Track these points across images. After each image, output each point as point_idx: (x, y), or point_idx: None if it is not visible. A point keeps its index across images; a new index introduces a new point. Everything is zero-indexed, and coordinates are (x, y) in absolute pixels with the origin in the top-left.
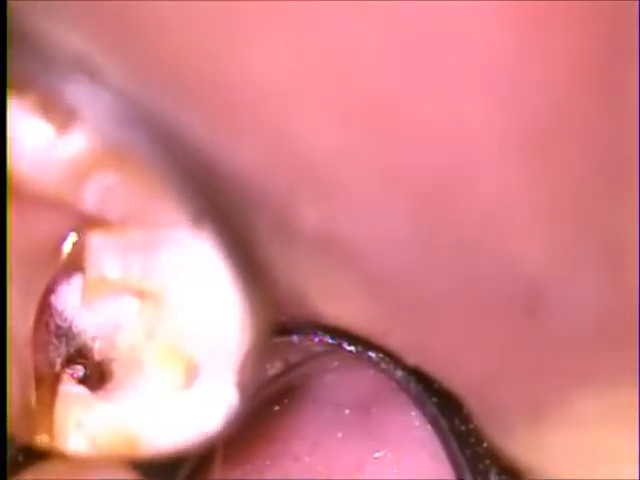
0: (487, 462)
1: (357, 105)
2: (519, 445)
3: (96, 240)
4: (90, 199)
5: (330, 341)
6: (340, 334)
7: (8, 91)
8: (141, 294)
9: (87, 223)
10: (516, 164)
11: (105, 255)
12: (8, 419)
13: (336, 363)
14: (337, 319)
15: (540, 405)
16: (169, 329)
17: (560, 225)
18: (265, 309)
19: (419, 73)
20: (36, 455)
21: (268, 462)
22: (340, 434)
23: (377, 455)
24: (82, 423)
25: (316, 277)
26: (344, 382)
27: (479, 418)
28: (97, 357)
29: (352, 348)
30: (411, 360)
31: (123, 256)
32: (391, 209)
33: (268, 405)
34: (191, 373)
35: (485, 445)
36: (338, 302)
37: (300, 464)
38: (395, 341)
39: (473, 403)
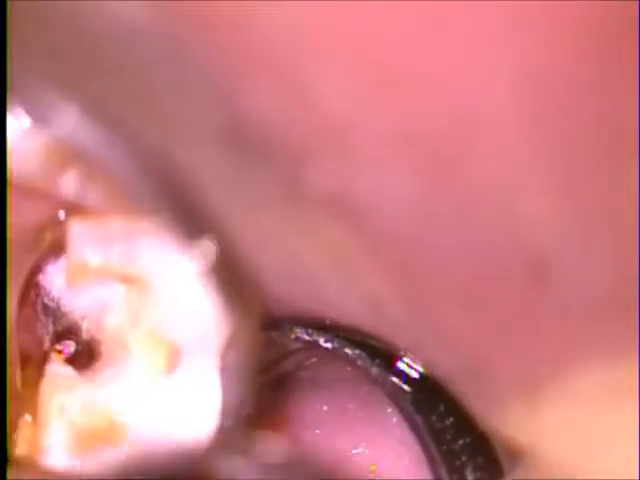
0: (463, 459)
1: (372, 67)
2: (514, 422)
3: (76, 227)
4: (70, 186)
5: (307, 338)
6: (317, 331)
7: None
8: (126, 279)
9: (68, 209)
10: (528, 129)
11: (85, 242)
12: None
13: (314, 360)
14: (334, 296)
15: (537, 380)
16: (152, 314)
17: (568, 194)
18: (249, 293)
19: (433, 38)
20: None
21: None
22: (318, 431)
23: (355, 452)
24: (65, 407)
25: (319, 245)
26: (321, 379)
27: (472, 397)
28: (85, 336)
29: (329, 345)
30: (408, 336)
31: (103, 243)
32: (401, 171)
33: None
34: (173, 358)
35: (461, 442)
36: (339, 273)
37: (278, 462)
38: (394, 315)
39: (468, 380)
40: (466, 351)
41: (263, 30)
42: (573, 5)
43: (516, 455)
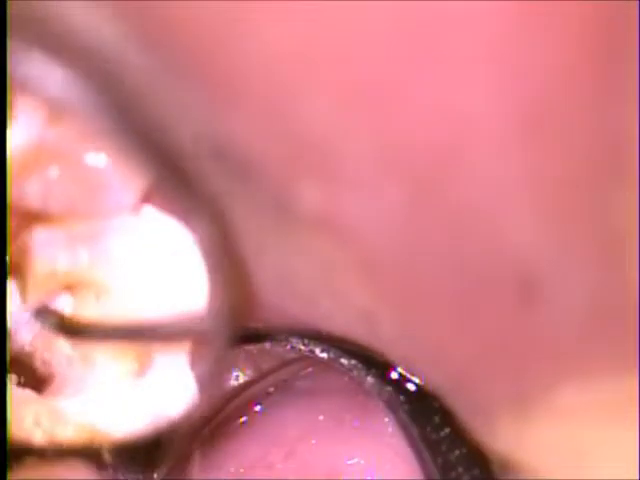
0: (459, 470)
1: (356, 86)
2: (503, 438)
3: (41, 235)
4: (33, 194)
5: (303, 348)
6: (313, 341)
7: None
8: (85, 287)
9: (30, 219)
10: (514, 149)
11: (52, 248)
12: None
13: (310, 370)
14: (328, 310)
15: (525, 396)
16: (117, 319)
17: (555, 213)
18: (225, 292)
19: (419, 56)
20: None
21: (242, 470)
22: (314, 441)
23: (351, 462)
24: (40, 421)
25: (311, 262)
26: (318, 389)
27: (462, 412)
28: (35, 362)
29: (325, 355)
30: (399, 352)
31: (70, 248)
32: (388, 190)
33: (240, 413)
34: (144, 361)
35: (457, 453)
36: (331, 289)
37: (274, 472)
38: (385, 330)
39: (458, 395)
40: (455, 367)
41: (244, 59)
42: (563, 22)
43: (506, 470)
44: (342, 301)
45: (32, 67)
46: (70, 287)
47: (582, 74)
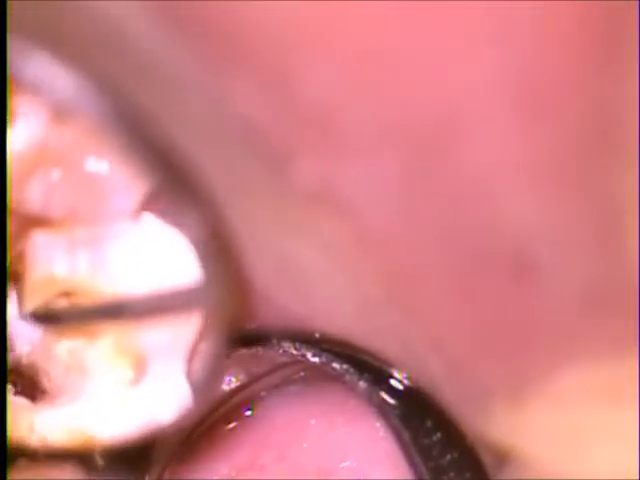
0: (451, 475)
1: (359, 54)
2: (498, 425)
3: (41, 239)
4: (34, 198)
5: (295, 352)
6: (305, 345)
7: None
8: (82, 295)
9: (31, 223)
10: (511, 122)
11: (51, 253)
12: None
13: (302, 374)
14: (325, 300)
15: (522, 381)
16: (114, 327)
17: (550, 188)
18: (222, 294)
19: (422, 26)
20: None
21: (233, 473)
22: (305, 444)
23: (343, 465)
24: (34, 428)
25: (309, 243)
26: (309, 393)
27: (457, 401)
28: (30, 372)
29: (316, 359)
30: (397, 341)
31: (69, 253)
32: (386, 161)
33: (232, 417)
34: (140, 368)
35: (448, 457)
36: (330, 274)
37: (265, 475)
38: (384, 314)
39: (453, 383)
40: (452, 351)
41: (249, 27)
42: (572, 4)
43: (502, 459)
44: (339, 283)
45: (35, 68)
46: (67, 294)
47: (579, 50)
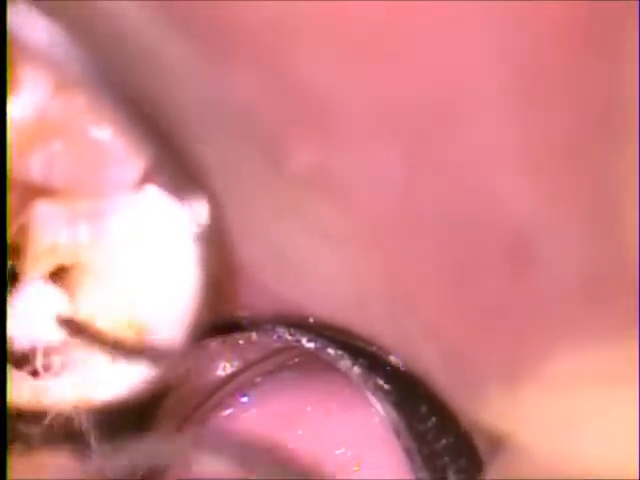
0: (446, 460)
1: (357, 39)
2: (494, 409)
3: (43, 208)
4: (36, 167)
5: (289, 338)
6: (300, 331)
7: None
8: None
9: (33, 193)
10: (508, 107)
11: (53, 223)
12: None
13: (296, 360)
14: (318, 287)
15: (518, 366)
16: (117, 302)
17: (549, 174)
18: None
19: (420, 11)
20: None
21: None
22: (300, 431)
23: (338, 452)
24: (38, 397)
25: (304, 228)
26: (304, 379)
27: (452, 387)
28: (37, 359)
29: (311, 345)
30: (391, 328)
31: (71, 224)
32: (383, 146)
33: (227, 403)
34: (141, 337)
35: (443, 442)
36: (327, 254)
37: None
38: (379, 301)
39: (449, 371)
40: (448, 336)
41: (244, 18)
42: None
43: (497, 445)
44: (335, 272)
45: (35, 32)
46: (68, 268)
47: (574, 35)
